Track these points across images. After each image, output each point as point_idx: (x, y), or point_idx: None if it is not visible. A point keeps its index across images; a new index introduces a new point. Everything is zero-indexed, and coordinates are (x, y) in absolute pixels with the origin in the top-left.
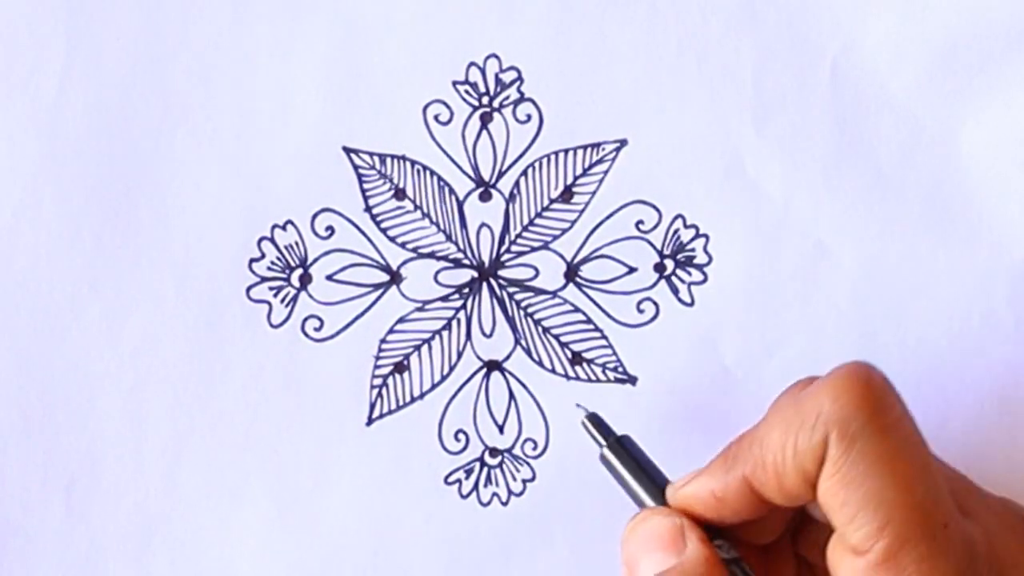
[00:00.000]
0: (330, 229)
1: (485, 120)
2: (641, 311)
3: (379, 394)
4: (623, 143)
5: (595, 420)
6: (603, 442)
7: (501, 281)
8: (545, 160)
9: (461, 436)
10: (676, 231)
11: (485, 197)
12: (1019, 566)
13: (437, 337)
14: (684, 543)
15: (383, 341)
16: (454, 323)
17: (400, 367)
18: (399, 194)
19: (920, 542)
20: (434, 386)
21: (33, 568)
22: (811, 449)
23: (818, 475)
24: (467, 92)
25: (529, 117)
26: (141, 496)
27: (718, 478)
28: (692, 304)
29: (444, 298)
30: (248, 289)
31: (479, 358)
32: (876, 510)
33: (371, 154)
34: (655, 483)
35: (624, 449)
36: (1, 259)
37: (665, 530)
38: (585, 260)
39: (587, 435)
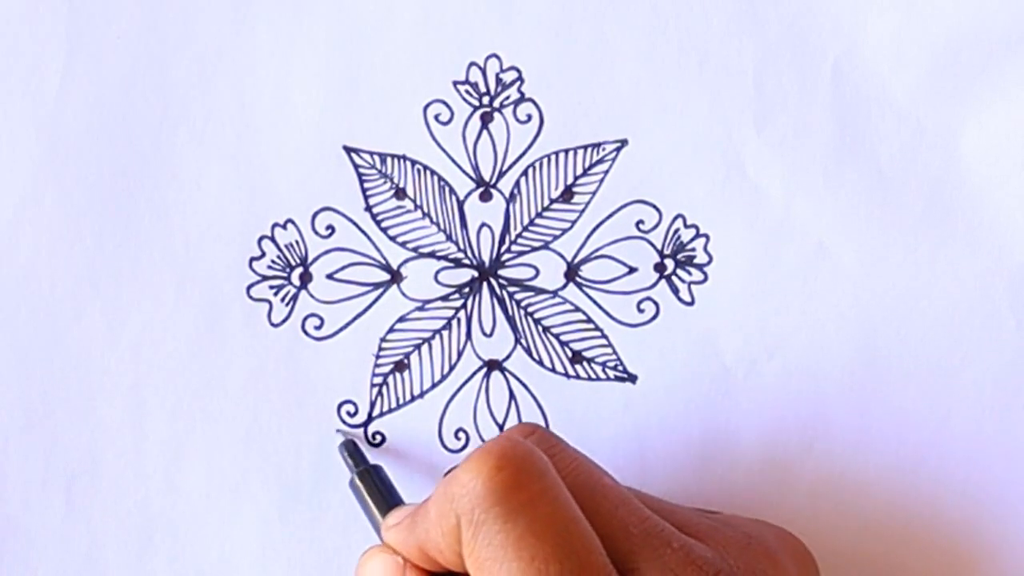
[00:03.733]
0: (330, 228)
1: (486, 120)
2: (641, 311)
3: (379, 393)
4: (624, 143)
5: (351, 447)
6: (355, 469)
7: (501, 281)
8: (545, 160)
9: (461, 435)
10: (676, 231)
11: (485, 197)
12: None
13: (437, 336)
14: None
15: (383, 340)
16: (454, 322)
17: (400, 366)
18: (399, 193)
19: None
20: (434, 385)
21: (33, 567)
22: (451, 531)
23: None
24: (468, 92)
25: (530, 117)
26: (141, 495)
27: (406, 538)
28: (692, 304)
29: (444, 297)
30: (248, 288)
31: (479, 357)
32: None
33: (371, 153)
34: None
35: (370, 480)
36: (1, 258)
37: (389, 569)
38: (585, 260)
39: (341, 462)
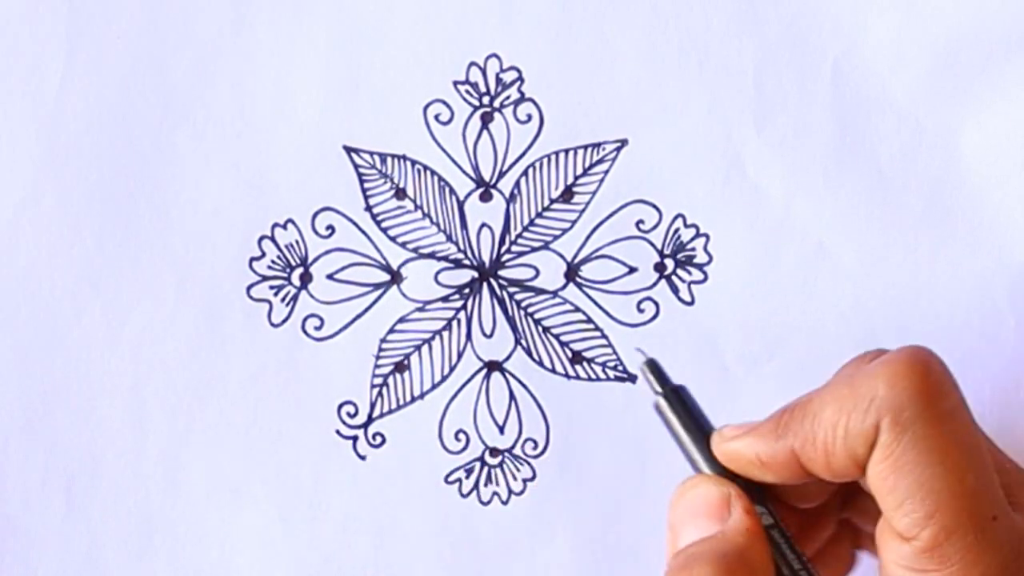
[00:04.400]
0: (331, 228)
1: (486, 120)
2: (641, 310)
3: (379, 394)
4: (624, 143)
5: (653, 367)
6: (659, 390)
7: (501, 281)
8: (546, 160)
9: (461, 436)
10: (676, 231)
11: (486, 197)
12: None
13: (437, 337)
14: (729, 512)
15: (383, 341)
16: (454, 323)
17: (400, 367)
18: (400, 194)
19: (967, 533)
20: (435, 386)
21: (33, 567)
22: (862, 433)
23: (868, 458)
24: (468, 92)
25: (530, 117)
26: (141, 495)
27: (767, 444)
28: (692, 303)
29: (445, 298)
30: (249, 288)
31: (479, 358)
32: (924, 498)
33: (372, 153)
34: (707, 439)
35: (679, 401)
36: (2, 258)
37: (712, 498)
38: (585, 260)
39: (644, 381)
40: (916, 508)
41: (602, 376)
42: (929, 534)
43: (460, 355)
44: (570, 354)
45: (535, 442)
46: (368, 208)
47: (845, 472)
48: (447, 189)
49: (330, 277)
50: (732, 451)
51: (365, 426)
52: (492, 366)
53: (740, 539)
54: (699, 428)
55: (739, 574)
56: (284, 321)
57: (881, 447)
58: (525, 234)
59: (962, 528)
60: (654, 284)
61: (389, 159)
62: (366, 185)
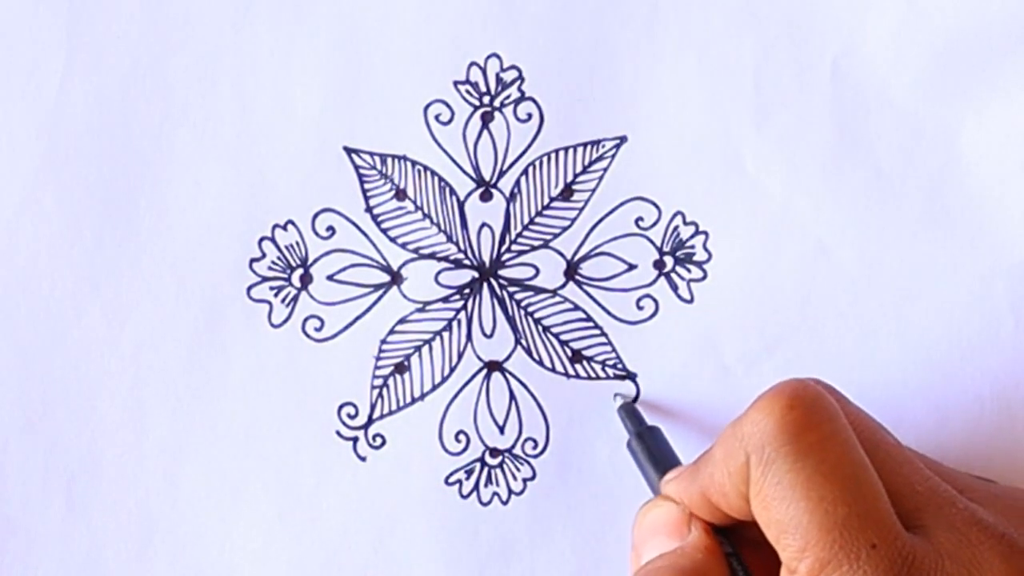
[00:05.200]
0: (331, 229)
1: (486, 120)
2: (641, 308)
3: (380, 394)
4: (623, 140)
5: (628, 410)
6: (632, 430)
7: (501, 281)
8: (545, 158)
9: (462, 437)
10: (676, 228)
11: (486, 197)
12: None
13: (438, 338)
14: (688, 530)
15: (384, 341)
16: (455, 324)
17: (401, 368)
18: (400, 194)
19: (842, 563)
20: (435, 387)
21: (33, 567)
22: (738, 471)
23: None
24: (468, 92)
25: (530, 116)
26: (141, 495)
27: (685, 486)
28: (691, 301)
29: (445, 299)
30: (249, 289)
31: (480, 359)
32: (795, 532)
33: (372, 154)
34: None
35: (648, 441)
36: (1, 259)
37: (673, 517)
38: (585, 258)
39: (620, 423)
40: (791, 542)
41: (602, 375)
42: (806, 567)
43: (460, 355)
44: (570, 353)
45: (535, 442)
46: (368, 209)
47: (741, 510)
48: (447, 189)
49: (330, 278)
50: (671, 491)
51: (365, 427)
52: (492, 366)
53: (699, 555)
54: (666, 467)
55: None
56: (284, 322)
57: (752, 484)
58: (525, 233)
59: (836, 559)
60: (653, 281)
61: (389, 160)
62: (366, 186)
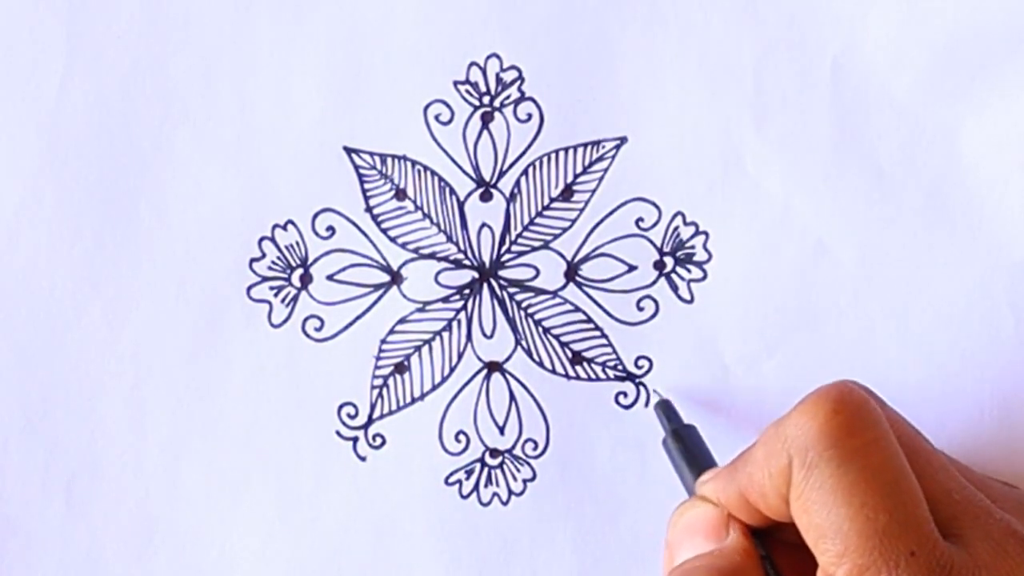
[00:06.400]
0: (331, 229)
1: (486, 120)
2: (641, 309)
3: (379, 395)
4: (623, 140)
5: (666, 407)
6: (669, 428)
7: (502, 281)
8: (545, 159)
9: (462, 437)
10: (676, 228)
11: (486, 197)
12: None
13: (438, 338)
14: (726, 532)
15: (384, 341)
16: (455, 324)
17: (401, 368)
18: (400, 194)
19: (880, 570)
20: (435, 387)
21: (33, 567)
22: (781, 472)
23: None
24: (468, 92)
25: (530, 116)
26: (141, 495)
27: (724, 486)
28: (692, 302)
29: (445, 299)
30: (249, 289)
31: (480, 359)
32: (834, 537)
33: (372, 154)
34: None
35: (684, 439)
36: (1, 259)
37: (711, 518)
38: (585, 259)
39: (657, 420)
40: (829, 547)
41: (602, 376)
42: (844, 572)
43: (460, 356)
44: (570, 354)
45: (535, 442)
46: (368, 209)
47: (780, 511)
48: (447, 189)
49: (330, 278)
50: (707, 491)
51: (365, 427)
52: (492, 367)
53: (737, 557)
54: (701, 466)
55: None
56: (284, 322)
57: (793, 487)
58: (525, 233)
59: (875, 566)
60: (653, 282)
61: (389, 160)
62: (366, 186)
